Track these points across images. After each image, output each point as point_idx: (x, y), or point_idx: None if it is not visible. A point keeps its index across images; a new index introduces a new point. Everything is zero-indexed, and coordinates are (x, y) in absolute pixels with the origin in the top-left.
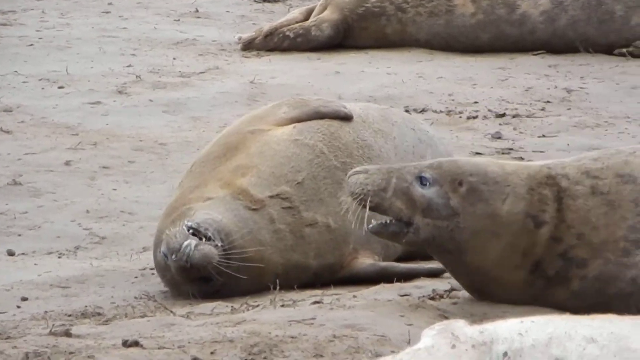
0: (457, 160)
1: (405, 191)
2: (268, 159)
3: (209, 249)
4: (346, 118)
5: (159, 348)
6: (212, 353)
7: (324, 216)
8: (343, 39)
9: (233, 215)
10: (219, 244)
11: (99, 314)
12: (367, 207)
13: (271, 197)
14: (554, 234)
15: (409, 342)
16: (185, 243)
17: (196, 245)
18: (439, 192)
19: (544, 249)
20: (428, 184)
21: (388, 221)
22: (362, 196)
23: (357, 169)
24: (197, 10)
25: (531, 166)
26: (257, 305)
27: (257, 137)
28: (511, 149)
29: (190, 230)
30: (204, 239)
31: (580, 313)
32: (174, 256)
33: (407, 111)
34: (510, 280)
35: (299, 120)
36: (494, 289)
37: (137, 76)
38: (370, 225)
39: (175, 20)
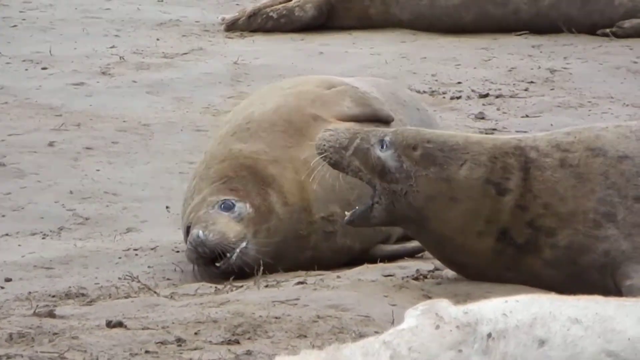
0: (420, 129)
1: (365, 152)
2: None
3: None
4: (387, 121)
5: (142, 329)
6: (196, 333)
7: (353, 241)
8: (326, 19)
9: (279, 237)
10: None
11: (82, 294)
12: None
13: (322, 218)
14: (519, 203)
15: (392, 323)
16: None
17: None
18: (393, 155)
19: (510, 216)
20: (385, 147)
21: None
22: (325, 153)
23: (329, 127)
24: None
25: (499, 138)
26: (241, 286)
27: (320, 127)
28: (494, 129)
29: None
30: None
31: (559, 285)
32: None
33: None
34: (478, 248)
35: (357, 119)
36: (464, 258)
37: (120, 57)
38: (344, 219)
39: (158, 1)
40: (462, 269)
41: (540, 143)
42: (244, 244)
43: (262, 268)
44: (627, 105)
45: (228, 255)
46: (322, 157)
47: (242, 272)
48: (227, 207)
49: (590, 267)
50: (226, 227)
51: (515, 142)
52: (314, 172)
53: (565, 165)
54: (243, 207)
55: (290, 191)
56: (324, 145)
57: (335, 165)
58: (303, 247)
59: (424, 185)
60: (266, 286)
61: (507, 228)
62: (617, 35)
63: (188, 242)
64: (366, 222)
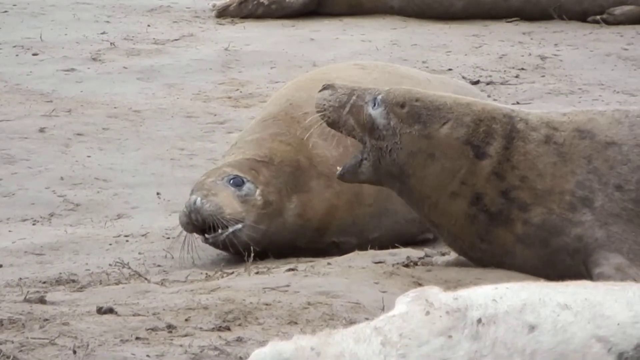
0: (413, 88)
1: (358, 109)
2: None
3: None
4: None
5: (133, 315)
6: (186, 320)
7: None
8: (317, 6)
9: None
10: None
11: (73, 280)
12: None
13: (333, 242)
14: (496, 170)
15: (383, 309)
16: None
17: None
18: (382, 112)
19: (485, 182)
20: (377, 104)
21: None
22: (324, 112)
23: (327, 84)
24: None
25: (492, 104)
26: (232, 273)
27: None
28: None
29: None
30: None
31: (532, 267)
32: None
33: None
34: (451, 210)
35: None
36: (439, 218)
37: (111, 43)
38: (336, 174)
39: None
40: (439, 230)
41: (531, 117)
42: (239, 226)
43: (252, 255)
44: (618, 92)
45: (220, 231)
46: (320, 116)
47: (228, 249)
48: (237, 183)
49: (562, 251)
50: (226, 202)
51: (507, 111)
52: (310, 130)
53: (549, 142)
54: (252, 189)
55: (315, 208)
56: (324, 104)
57: (332, 124)
58: (295, 247)
59: (407, 142)
60: (257, 273)
61: (481, 193)
62: (608, 22)
63: (184, 206)
64: (355, 177)
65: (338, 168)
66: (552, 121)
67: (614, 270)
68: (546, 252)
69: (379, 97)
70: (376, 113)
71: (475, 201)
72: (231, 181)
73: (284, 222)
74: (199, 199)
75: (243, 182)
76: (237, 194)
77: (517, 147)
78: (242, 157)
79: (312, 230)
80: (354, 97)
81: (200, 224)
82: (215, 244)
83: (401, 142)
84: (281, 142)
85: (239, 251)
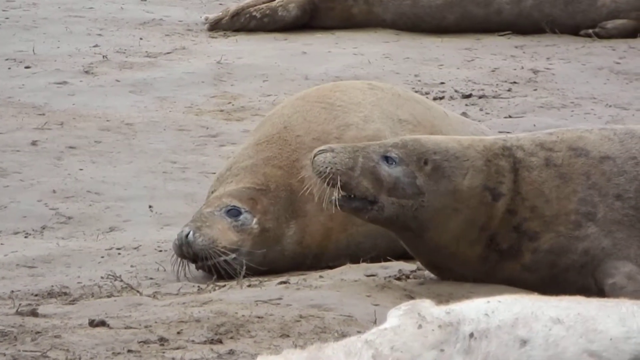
0: (418, 138)
1: (372, 170)
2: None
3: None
4: None
5: (125, 328)
6: (178, 333)
7: None
8: (309, 19)
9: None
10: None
11: (65, 293)
12: (338, 186)
13: (329, 266)
14: (509, 207)
15: (375, 322)
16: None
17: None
18: (406, 171)
19: (500, 222)
20: (394, 163)
21: (352, 195)
22: (331, 175)
23: (323, 147)
24: None
25: (486, 139)
26: (224, 286)
27: None
28: None
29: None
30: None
31: (532, 287)
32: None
33: None
34: (468, 256)
35: None
36: (451, 264)
37: (103, 56)
38: (334, 198)
39: (141, 0)
40: (443, 273)
41: (524, 142)
42: (233, 255)
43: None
44: (610, 106)
45: (210, 259)
46: (329, 181)
47: (222, 277)
48: (233, 214)
49: (569, 269)
50: (220, 234)
51: (501, 142)
52: (324, 203)
53: (550, 164)
54: (249, 219)
55: (312, 234)
56: (329, 168)
57: (343, 187)
58: (289, 265)
59: (433, 199)
60: (249, 286)
61: (495, 234)
62: (600, 36)
63: (176, 236)
64: (356, 216)
65: (338, 196)
66: (544, 142)
67: (626, 279)
68: (552, 272)
69: (393, 154)
70: (397, 172)
71: (489, 243)
72: (228, 212)
73: (282, 250)
74: (191, 232)
75: (240, 213)
76: (233, 224)
77: (524, 178)
78: (241, 186)
79: (310, 256)
80: (360, 159)
81: (191, 256)
82: (209, 271)
83: (428, 201)
84: (274, 167)
85: (232, 277)
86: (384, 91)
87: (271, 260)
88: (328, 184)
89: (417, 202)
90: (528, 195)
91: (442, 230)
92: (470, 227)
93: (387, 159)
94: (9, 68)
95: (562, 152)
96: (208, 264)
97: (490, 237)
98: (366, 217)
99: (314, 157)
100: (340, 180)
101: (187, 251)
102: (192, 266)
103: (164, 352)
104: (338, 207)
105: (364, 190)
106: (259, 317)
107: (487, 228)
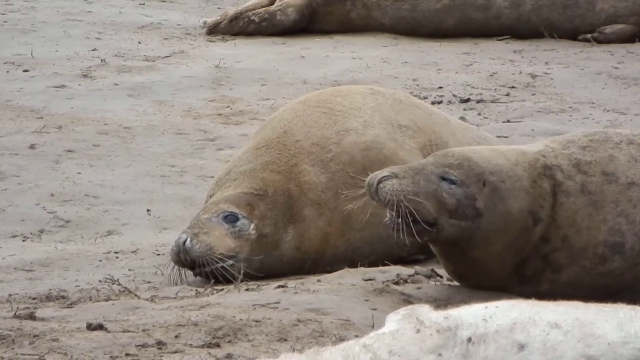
0: (470, 157)
1: (434, 193)
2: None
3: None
4: None
5: (123, 331)
6: (176, 336)
7: None
8: (308, 23)
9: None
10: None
11: (63, 297)
12: (404, 213)
13: (327, 270)
14: (544, 234)
15: (373, 327)
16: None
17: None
18: (467, 193)
19: (532, 248)
20: (455, 184)
21: (409, 219)
22: (401, 204)
23: (385, 173)
24: None
25: (527, 152)
26: (222, 289)
27: None
28: None
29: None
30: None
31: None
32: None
33: None
34: (498, 274)
35: None
36: (479, 279)
37: (102, 60)
38: (389, 221)
39: (140, 4)
40: (467, 282)
41: (562, 161)
42: (231, 262)
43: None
44: (608, 111)
45: (208, 266)
46: (398, 210)
47: (220, 282)
48: (231, 219)
49: (582, 299)
50: (217, 240)
51: (542, 160)
52: (399, 235)
53: (584, 191)
54: (246, 224)
55: (310, 239)
56: (397, 196)
57: (411, 213)
58: (287, 271)
59: (489, 221)
60: (247, 289)
61: (525, 259)
62: (598, 41)
63: (174, 243)
64: (415, 237)
65: (388, 215)
66: (579, 162)
67: None
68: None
69: (452, 176)
70: (459, 194)
71: (519, 266)
72: (225, 218)
73: (280, 255)
74: (188, 239)
75: (237, 219)
76: (230, 230)
77: (561, 204)
78: (239, 191)
79: (309, 261)
80: (422, 182)
81: (188, 263)
82: (207, 278)
83: (484, 222)
84: (272, 172)
85: (230, 281)
86: (385, 96)
87: (269, 266)
88: (398, 214)
89: (476, 223)
90: (562, 224)
91: (488, 250)
92: (510, 249)
93: (446, 179)
94: (7, 71)
95: (596, 177)
96: (206, 270)
97: (521, 261)
98: (425, 239)
99: (377, 184)
100: (408, 208)
101: (184, 258)
102: (190, 273)
103: (161, 356)
104: (400, 234)
105: (427, 214)
106: (256, 321)
107: (521, 252)
